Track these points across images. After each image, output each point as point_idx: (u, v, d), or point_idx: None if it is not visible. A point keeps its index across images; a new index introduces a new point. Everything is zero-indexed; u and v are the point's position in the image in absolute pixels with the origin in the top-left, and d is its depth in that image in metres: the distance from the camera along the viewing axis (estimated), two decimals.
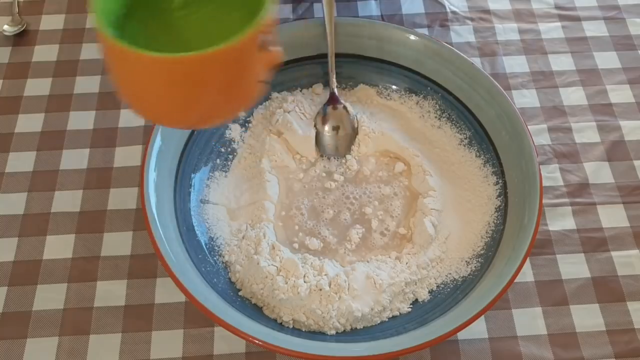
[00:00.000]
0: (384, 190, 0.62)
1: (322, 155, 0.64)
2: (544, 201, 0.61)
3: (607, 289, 0.60)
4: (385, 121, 0.66)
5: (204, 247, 0.58)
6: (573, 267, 0.61)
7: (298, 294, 0.53)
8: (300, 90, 0.68)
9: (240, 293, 0.55)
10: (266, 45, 0.42)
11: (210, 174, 0.63)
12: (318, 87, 0.68)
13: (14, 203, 0.64)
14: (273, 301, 0.54)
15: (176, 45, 0.42)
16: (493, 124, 0.61)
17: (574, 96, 0.72)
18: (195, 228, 0.59)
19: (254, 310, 0.54)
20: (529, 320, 0.58)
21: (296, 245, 0.58)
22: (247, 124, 0.66)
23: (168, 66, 0.38)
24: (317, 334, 0.53)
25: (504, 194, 0.59)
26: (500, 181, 0.60)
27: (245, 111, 0.64)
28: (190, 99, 0.41)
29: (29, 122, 0.69)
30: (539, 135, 0.68)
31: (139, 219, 0.63)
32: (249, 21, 0.39)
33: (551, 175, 0.66)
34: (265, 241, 0.57)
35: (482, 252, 0.57)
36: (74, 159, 0.67)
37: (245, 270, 0.56)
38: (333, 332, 0.53)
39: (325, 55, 0.66)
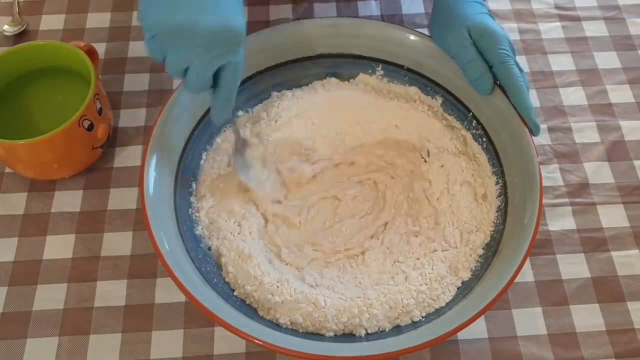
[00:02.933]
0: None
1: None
2: (544, 201, 0.61)
3: (607, 289, 0.60)
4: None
5: (204, 247, 0.58)
6: (573, 267, 0.61)
7: (293, 297, 0.53)
8: (301, 89, 0.68)
9: (235, 293, 0.55)
10: (93, 125, 0.61)
11: None
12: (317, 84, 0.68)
13: (14, 203, 0.64)
14: (268, 303, 0.54)
15: (29, 127, 0.63)
16: (493, 124, 0.61)
17: (574, 96, 0.72)
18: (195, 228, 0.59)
19: (254, 310, 0.54)
20: (529, 320, 0.58)
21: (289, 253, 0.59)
22: (246, 124, 0.66)
23: (18, 147, 0.58)
24: (316, 335, 0.53)
25: (504, 194, 0.59)
26: (500, 181, 0.60)
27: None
28: (38, 164, 0.62)
29: None
30: (539, 135, 0.68)
31: (139, 219, 0.63)
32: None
33: (551, 175, 0.66)
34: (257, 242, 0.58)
35: (482, 252, 0.57)
36: None
37: (237, 271, 0.56)
38: (331, 334, 0.53)
39: (325, 56, 0.66)
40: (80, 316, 0.58)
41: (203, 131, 0.63)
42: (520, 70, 0.58)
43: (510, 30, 0.77)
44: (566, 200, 0.65)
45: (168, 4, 0.47)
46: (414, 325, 0.53)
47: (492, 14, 0.61)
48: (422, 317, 0.53)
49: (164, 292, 0.59)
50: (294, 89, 0.67)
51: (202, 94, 0.53)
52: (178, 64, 0.49)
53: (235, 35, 0.49)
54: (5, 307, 0.58)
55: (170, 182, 0.58)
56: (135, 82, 0.72)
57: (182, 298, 0.58)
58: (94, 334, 0.57)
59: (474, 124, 0.63)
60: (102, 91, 0.64)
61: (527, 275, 0.60)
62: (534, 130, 0.57)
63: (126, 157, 0.67)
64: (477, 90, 0.60)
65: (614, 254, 0.62)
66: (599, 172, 0.67)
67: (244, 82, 0.65)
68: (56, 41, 0.65)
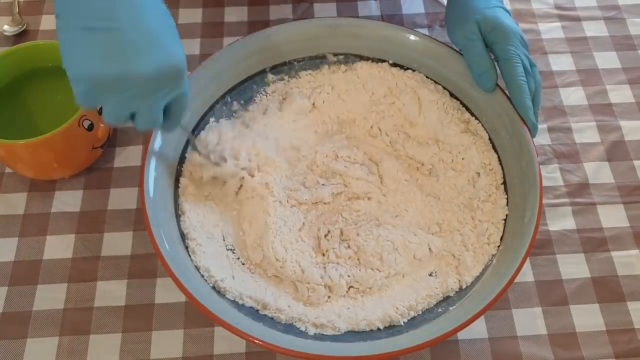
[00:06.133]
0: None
1: None
2: (544, 201, 0.61)
3: (607, 289, 0.60)
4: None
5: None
6: (573, 267, 0.61)
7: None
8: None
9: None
10: (93, 125, 0.60)
11: None
12: None
13: (14, 203, 0.64)
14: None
15: (29, 127, 0.62)
16: (493, 124, 0.61)
17: (574, 96, 0.72)
18: None
19: (253, 310, 0.54)
20: (529, 320, 0.58)
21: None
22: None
23: (18, 147, 0.58)
24: (316, 335, 0.53)
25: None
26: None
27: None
28: (38, 164, 0.62)
29: None
30: (539, 135, 0.68)
31: (139, 219, 0.63)
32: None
33: (551, 175, 0.66)
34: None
35: (495, 251, 0.57)
36: None
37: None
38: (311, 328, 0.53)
39: (325, 56, 0.66)
40: (80, 316, 0.58)
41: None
42: (532, 65, 0.58)
43: None
44: (566, 200, 0.65)
45: (95, 52, 0.42)
46: (414, 325, 0.53)
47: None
48: (404, 322, 0.53)
49: (164, 292, 0.59)
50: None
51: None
52: (121, 113, 0.45)
53: (177, 71, 0.45)
54: (5, 307, 0.58)
55: (170, 182, 0.58)
56: None
57: (182, 298, 0.58)
58: (94, 334, 0.57)
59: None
60: None
61: (527, 275, 0.60)
62: (532, 130, 0.57)
63: (126, 157, 0.67)
64: (479, 85, 0.60)
65: (614, 254, 0.62)
66: (599, 172, 0.67)
67: (244, 81, 0.65)
68: (56, 41, 0.65)
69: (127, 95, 0.44)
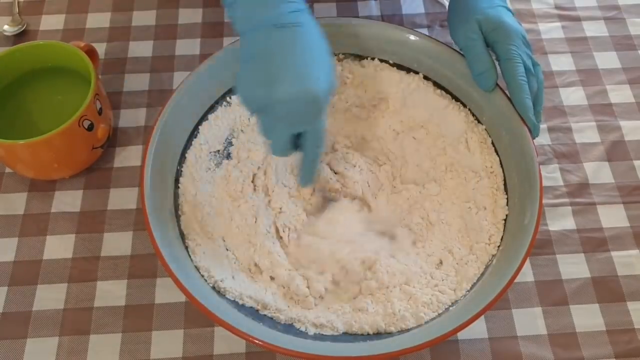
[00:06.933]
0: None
1: None
2: (544, 201, 0.61)
3: (607, 289, 0.60)
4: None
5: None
6: (573, 267, 0.61)
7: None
8: None
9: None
10: (93, 125, 0.61)
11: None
12: None
13: (14, 203, 0.64)
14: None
15: (29, 127, 0.63)
16: (493, 124, 0.61)
17: (574, 96, 0.72)
18: None
19: (253, 310, 0.54)
20: (529, 320, 0.58)
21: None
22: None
23: (18, 147, 0.58)
24: (316, 335, 0.53)
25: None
26: None
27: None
28: (38, 164, 0.62)
29: None
30: (539, 135, 0.68)
31: (139, 219, 0.63)
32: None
33: (551, 175, 0.66)
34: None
35: (489, 259, 0.57)
36: None
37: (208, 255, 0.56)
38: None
39: None
40: (80, 316, 0.58)
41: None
42: (535, 65, 0.58)
43: None
44: (566, 200, 0.65)
45: (250, 78, 0.49)
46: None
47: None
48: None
49: (164, 292, 0.59)
50: None
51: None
52: (263, 129, 0.52)
53: (310, 103, 0.48)
54: (5, 307, 0.58)
55: (170, 182, 0.58)
56: (135, 82, 0.73)
57: (182, 298, 0.58)
58: (94, 334, 0.57)
59: None
60: (102, 91, 0.64)
61: (527, 275, 0.60)
62: (532, 130, 0.57)
63: (126, 157, 0.67)
64: (479, 85, 0.60)
65: (614, 254, 0.62)
66: (599, 172, 0.67)
67: None
68: (56, 41, 0.65)
69: (267, 115, 0.50)
